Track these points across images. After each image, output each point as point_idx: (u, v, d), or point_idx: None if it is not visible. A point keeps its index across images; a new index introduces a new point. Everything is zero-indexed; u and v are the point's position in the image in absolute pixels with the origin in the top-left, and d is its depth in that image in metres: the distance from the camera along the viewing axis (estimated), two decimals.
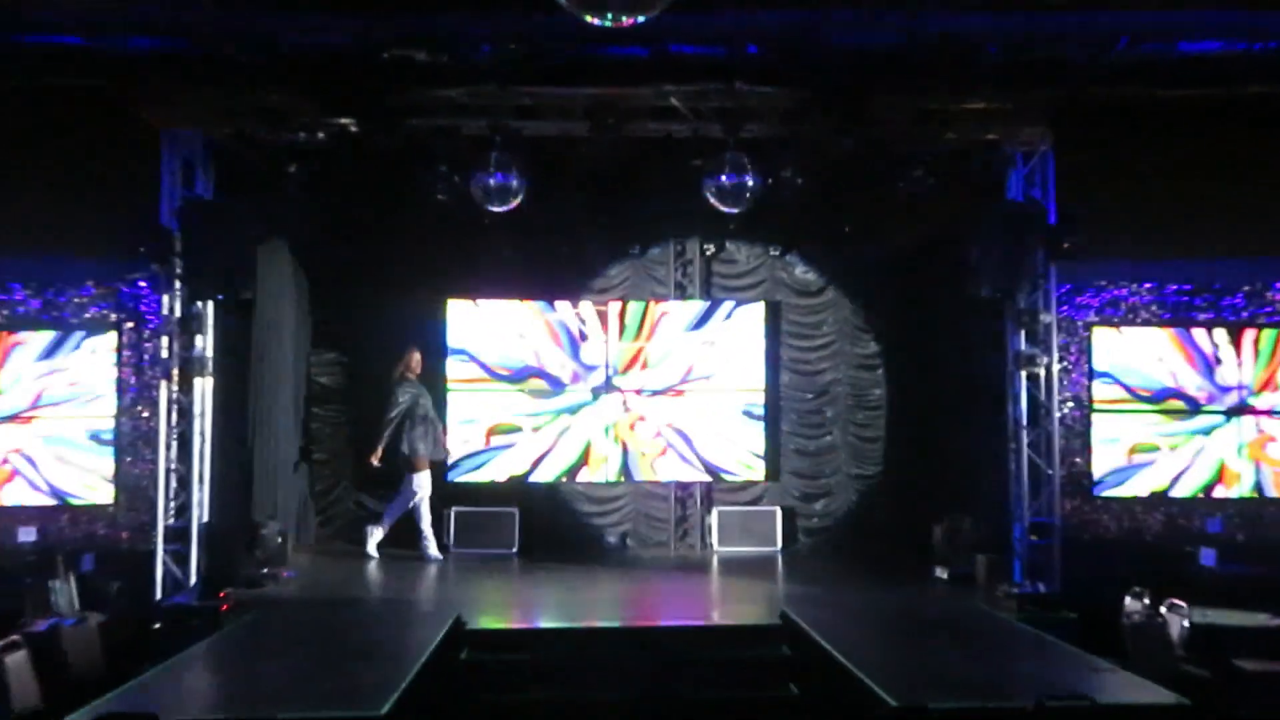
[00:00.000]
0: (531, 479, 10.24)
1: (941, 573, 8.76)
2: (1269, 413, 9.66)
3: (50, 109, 8.43)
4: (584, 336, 10.31)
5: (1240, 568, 8.22)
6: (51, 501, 9.15)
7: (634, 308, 10.37)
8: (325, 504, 10.33)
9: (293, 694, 5.33)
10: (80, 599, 7.38)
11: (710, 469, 10.34)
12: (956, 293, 8.84)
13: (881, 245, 10.09)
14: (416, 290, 10.13)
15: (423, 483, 9.25)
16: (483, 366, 10.26)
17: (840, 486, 10.61)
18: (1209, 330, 9.75)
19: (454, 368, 10.20)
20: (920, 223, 9.44)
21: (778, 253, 10.45)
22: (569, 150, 8.39)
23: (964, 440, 9.78)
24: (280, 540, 8.75)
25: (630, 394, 10.28)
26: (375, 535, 9.32)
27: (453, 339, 10.14)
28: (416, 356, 9.44)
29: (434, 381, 9.93)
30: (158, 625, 7.20)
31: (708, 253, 10.34)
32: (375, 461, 9.16)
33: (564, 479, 10.30)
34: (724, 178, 7.99)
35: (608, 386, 10.26)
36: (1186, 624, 6.71)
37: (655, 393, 10.32)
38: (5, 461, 9.16)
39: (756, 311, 10.46)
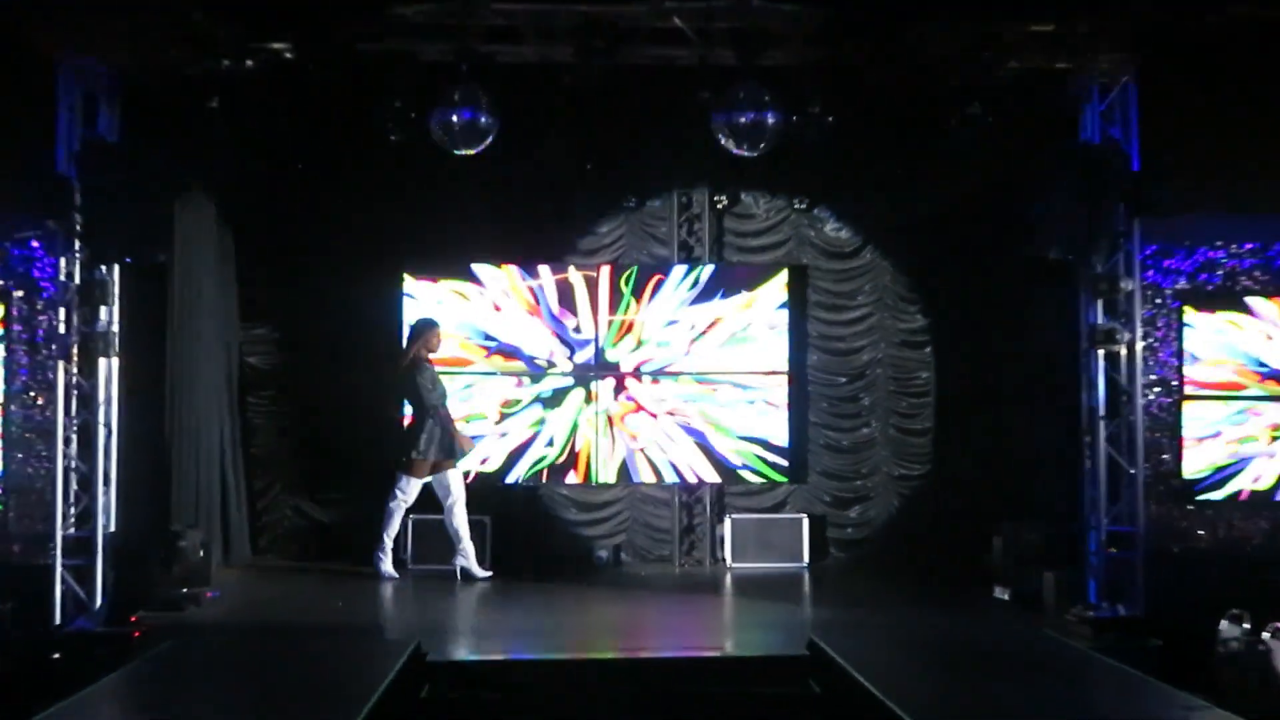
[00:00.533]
0: (506, 480, 10.24)
1: (1001, 593, 8.78)
2: None
3: None
4: (569, 309, 10.29)
5: None
6: None
7: (630, 272, 10.35)
8: (258, 510, 10.35)
9: None
10: None
11: (723, 468, 10.34)
12: (1019, 255, 8.80)
13: (929, 197, 10.10)
14: (366, 253, 10.13)
15: (413, 490, 9.26)
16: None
17: (879, 489, 10.62)
18: None
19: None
20: (976, 170, 9.44)
21: (803, 205, 10.44)
22: (550, 81, 8.34)
23: (1029, 433, 9.80)
24: (203, 554, 8.77)
25: (625, 377, 10.27)
26: (384, 559, 9.34)
27: (411, 310, 10.10)
28: (438, 333, 9.37)
29: (390, 362, 9.83)
30: (56, 656, 7.18)
31: (719, 206, 10.34)
32: (422, 475, 9.19)
33: (545, 480, 10.31)
34: (738, 114, 7.93)
35: (598, 369, 10.27)
36: None
37: (656, 375, 10.32)
38: None
39: (778, 278, 10.44)
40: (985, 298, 10.22)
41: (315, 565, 9.93)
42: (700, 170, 10.10)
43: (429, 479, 9.32)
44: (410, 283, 10.20)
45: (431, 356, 9.41)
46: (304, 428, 10.33)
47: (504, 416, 10.27)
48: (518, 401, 10.27)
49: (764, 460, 10.36)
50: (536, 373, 10.30)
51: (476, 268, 10.27)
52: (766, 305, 10.40)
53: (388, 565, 9.33)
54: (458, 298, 10.25)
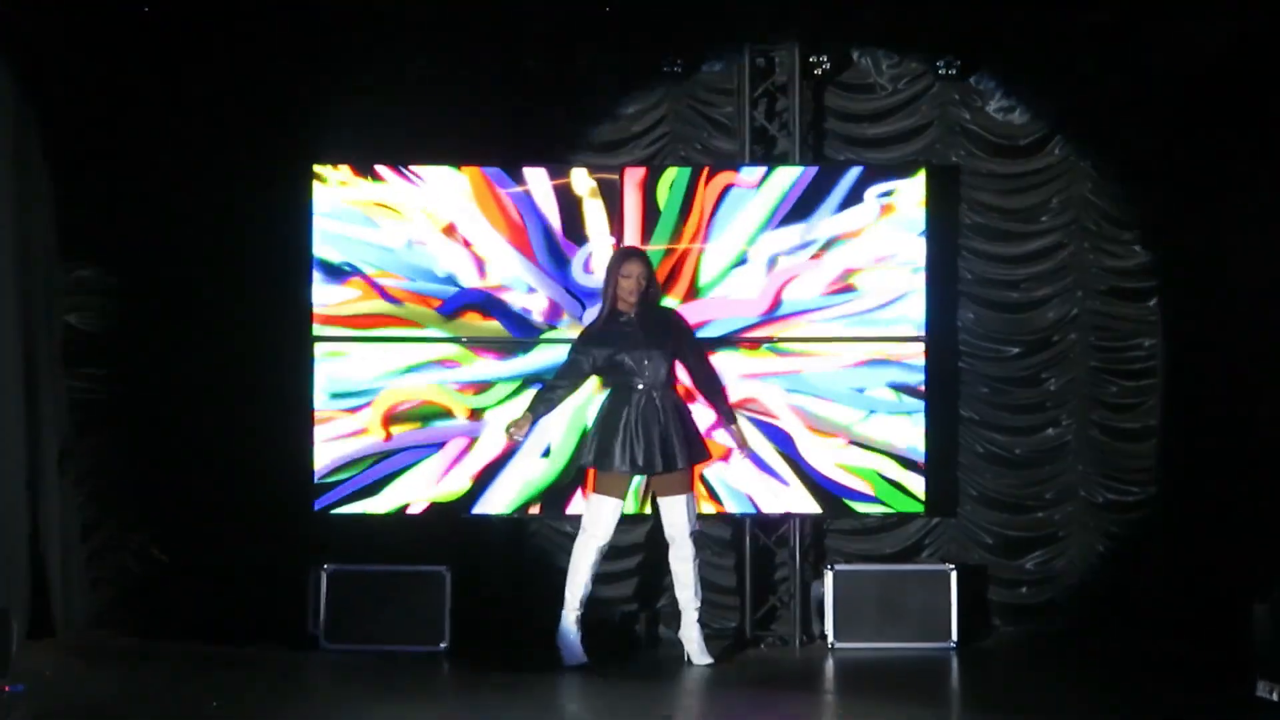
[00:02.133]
0: (475, 510, 10.24)
1: (1269, 691, 8.52)
2: None
3: None
4: (575, 236, 10.22)
5: None
6: None
7: (672, 178, 10.30)
8: (87, 555, 10.41)
9: None
10: None
11: (822, 492, 10.27)
12: None
13: (1155, 58, 10.06)
14: (253, 148, 10.19)
15: (602, 516, 9.59)
16: (380, 292, 10.25)
17: (1073, 526, 10.66)
18: None
19: (326, 295, 10.20)
20: (1229, 17, 9.53)
21: (952, 71, 10.43)
22: None
23: None
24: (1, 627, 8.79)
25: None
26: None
27: (324, 242, 10.12)
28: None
29: (284, 324, 10.11)
30: None
31: (817, 70, 10.42)
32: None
33: (537, 512, 10.30)
34: None
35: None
36: None
37: (714, 343, 10.20)
38: None
39: (912, 188, 10.29)
40: (1244, 221, 10.16)
41: (174, 641, 9.99)
42: (786, 12, 10.30)
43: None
44: (322, 192, 10.19)
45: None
46: (156, 425, 10.42)
47: (474, 412, 10.20)
48: (492, 386, 10.23)
49: (887, 479, 10.28)
50: (523, 338, 10.25)
51: (422, 169, 10.20)
52: (893, 231, 10.28)
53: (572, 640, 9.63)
54: (389, 216, 10.20)
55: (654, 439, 9.39)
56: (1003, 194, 10.63)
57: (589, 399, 10.10)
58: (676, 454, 9.38)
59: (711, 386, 9.72)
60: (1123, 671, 9.56)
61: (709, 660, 9.57)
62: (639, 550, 10.52)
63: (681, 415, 9.53)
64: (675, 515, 9.53)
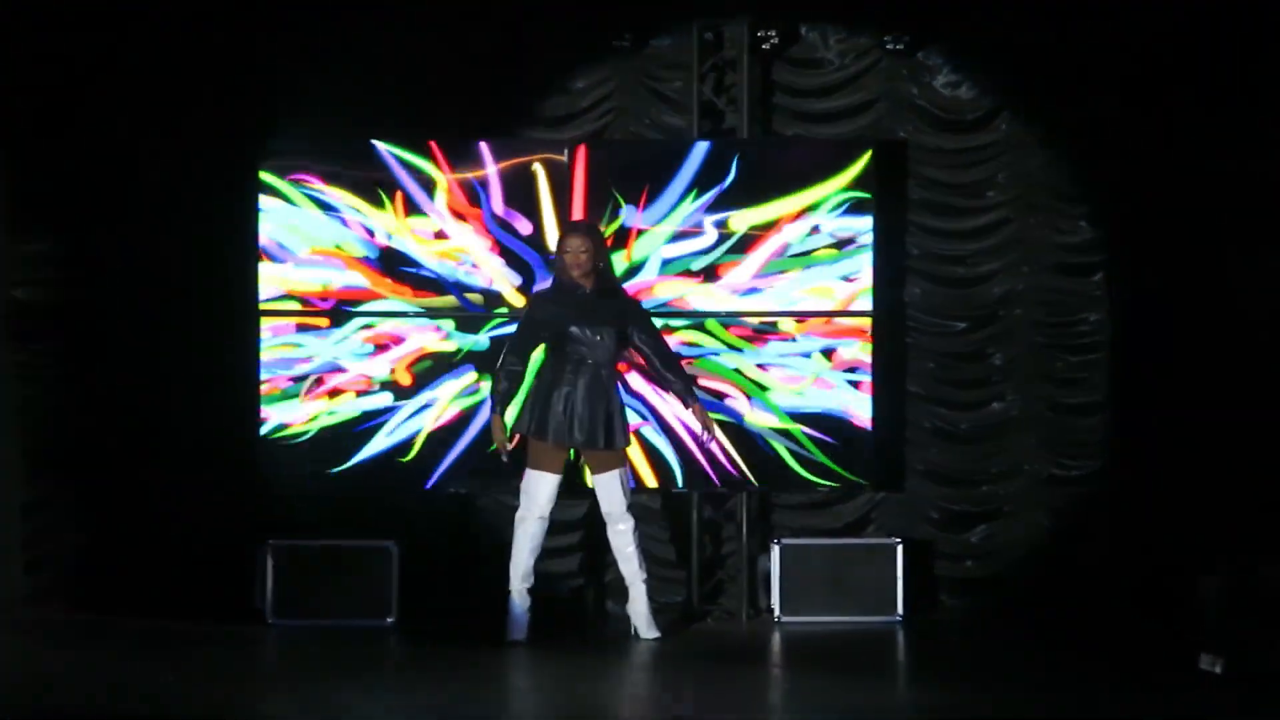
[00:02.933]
0: (425, 485, 10.28)
1: (1211, 664, 8.56)
2: None
3: None
4: (523, 210, 10.27)
5: None
6: None
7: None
8: (30, 534, 10.42)
9: None
10: None
11: (768, 464, 10.29)
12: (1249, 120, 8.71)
13: (1102, 32, 10.06)
14: (204, 120, 10.26)
15: (540, 490, 9.58)
16: (333, 265, 10.26)
17: (1018, 500, 10.66)
18: None
19: (275, 268, 10.25)
20: None
21: (900, 45, 10.44)
22: None
23: (1267, 416, 9.87)
24: None
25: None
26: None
27: (270, 220, 10.17)
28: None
29: (231, 298, 10.17)
30: None
31: (766, 45, 10.42)
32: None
33: (484, 487, 10.31)
34: None
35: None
36: None
37: (659, 316, 10.18)
38: None
39: (859, 163, 10.33)
40: (1195, 194, 10.18)
41: (120, 617, 10.01)
42: None
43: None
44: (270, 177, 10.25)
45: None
46: (103, 400, 10.39)
47: (419, 384, 10.21)
48: (440, 359, 10.28)
49: (834, 452, 10.29)
50: (471, 312, 10.28)
51: (375, 145, 10.25)
52: (840, 206, 10.29)
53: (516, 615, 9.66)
54: (340, 196, 10.24)
55: (598, 415, 9.37)
56: (950, 169, 10.63)
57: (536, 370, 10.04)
58: (616, 432, 9.39)
59: (669, 364, 9.64)
60: (1068, 645, 9.57)
61: (656, 634, 9.59)
62: (583, 525, 10.52)
63: (620, 394, 9.55)
64: (610, 492, 9.54)
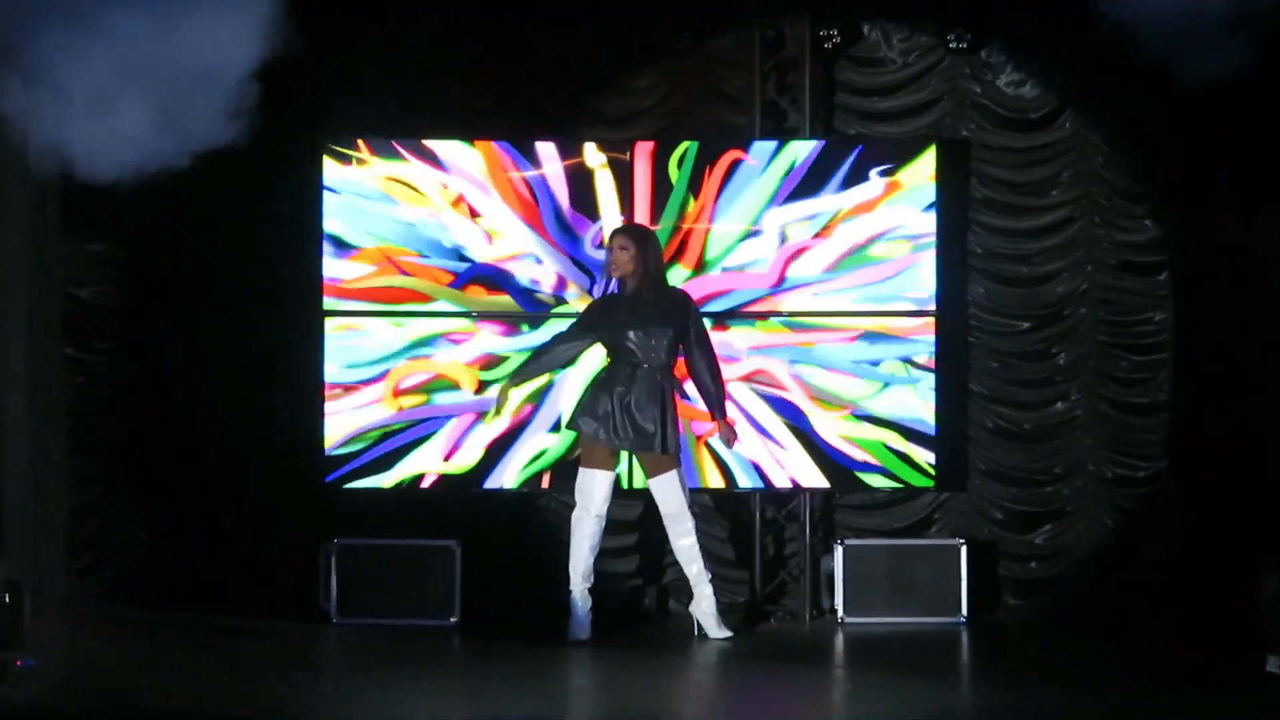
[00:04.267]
0: (485, 485, 10.29)
1: (1278, 666, 8.50)
2: None
3: None
4: (585, 211, 10.25)
5: None
6: None
7: (683, 153, 10.33)
8: (85, 534, 10.44)
9: None
10: None
11: (832, 466, 10.29)
12: None
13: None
14: (260, 118, 9.61)
15: (594, 489, 9.58)
16: (392, 265, 10.29)
17: (1082, 501, 10.60)
18: None
19: (336, 269, 10.25)
20: None
21: (963, 45, 10.39)
22: None
23: None
24: (9, 601, 8.70)
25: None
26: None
27: (333, 216, 10.18)
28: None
29: (294, 298, 10.19)
30: None
31: (828, 44, 10.40)
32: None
33: (547, 485, 10.36)
34: None
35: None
36: None
37: (722, 316, 10.22)
38: None
39: (921, 161, 10.31)
40: (1260, 192, 10.13)
41: (185, 615, 10.04)
42: None
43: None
44: (334, 169, 10.22)
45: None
46: (166, 399, 10.45)
47: (483, 385, 10.21)
48: (505, 360, 10.22)
49: (897, 454, 10.29)
50: (533, 313, 10.27)
51: (433, 144, 10.23)
52: (902, 205, 10.30)
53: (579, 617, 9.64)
54: (403, 190, 10.23)
55: (651, 418, 9.37)
56: (1013, 168, 10.60)
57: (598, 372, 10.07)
58: (667, 436, 9.37)
59: (713, 372, 9.59)
60: (1132, 646, 9.55)
61: (726, 634, 9.58)
62: (640, 525, 10.49)
63: (675, 399, 9.52)
64: (669, 494, 9.52)
